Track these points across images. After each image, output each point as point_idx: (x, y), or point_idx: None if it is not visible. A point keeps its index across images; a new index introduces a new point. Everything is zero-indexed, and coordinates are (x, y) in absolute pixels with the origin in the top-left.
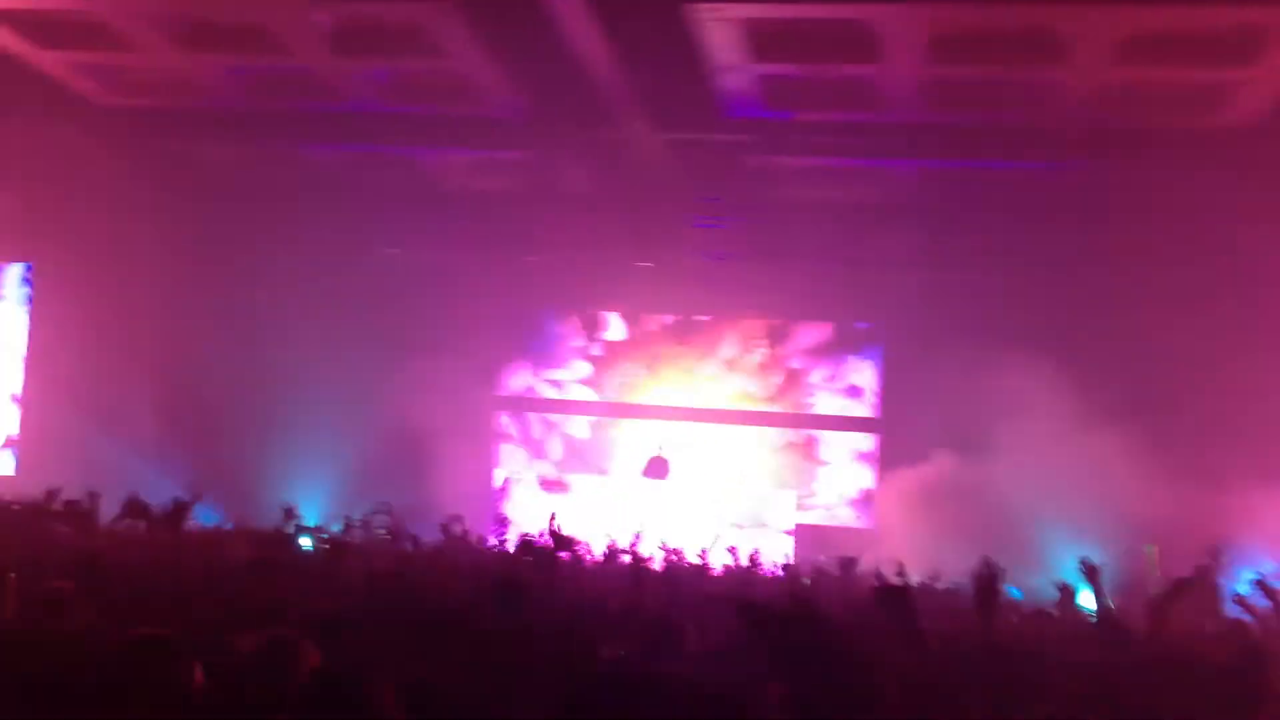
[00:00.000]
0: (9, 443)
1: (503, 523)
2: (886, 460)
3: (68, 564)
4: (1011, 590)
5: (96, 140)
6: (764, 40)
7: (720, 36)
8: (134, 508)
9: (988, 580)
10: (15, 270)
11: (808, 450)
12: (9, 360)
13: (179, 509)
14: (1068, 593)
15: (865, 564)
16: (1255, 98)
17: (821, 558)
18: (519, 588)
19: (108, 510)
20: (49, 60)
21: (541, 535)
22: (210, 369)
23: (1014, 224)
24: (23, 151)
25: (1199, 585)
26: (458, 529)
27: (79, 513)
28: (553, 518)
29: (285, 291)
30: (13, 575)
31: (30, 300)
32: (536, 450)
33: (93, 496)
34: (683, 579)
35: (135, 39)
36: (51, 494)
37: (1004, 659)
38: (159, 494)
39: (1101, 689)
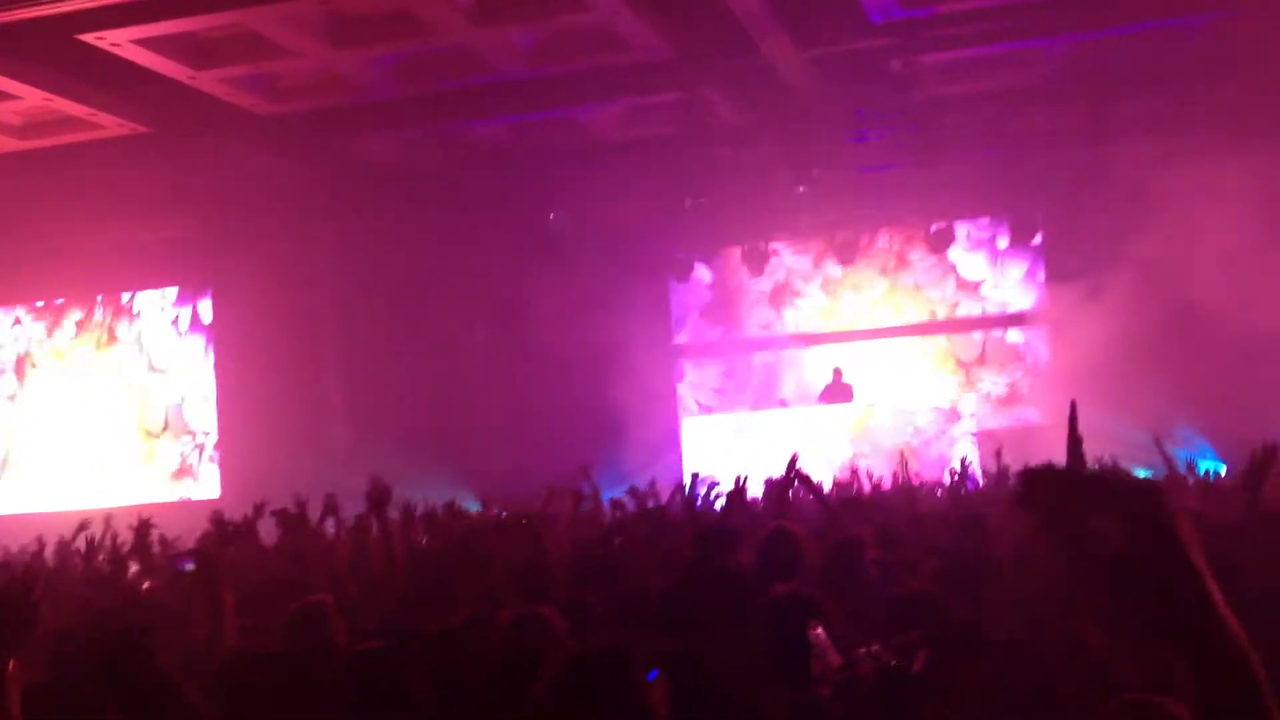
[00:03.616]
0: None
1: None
2: (1062, 352)
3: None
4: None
5: (265, 151)
6: None
7: None
8: (330, 505)
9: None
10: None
11: (986, 354)
12: (201, 390)
13: (378, 494)
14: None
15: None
16: None
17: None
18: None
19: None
20: (205, 80)
21: (742, 482)
22: (399, 357)
23: (1171, 87)
24: (195, 175)
25: None
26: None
27: (291, 519)
28: (795, 459)
29: (464, 274)
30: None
31: (214, 326)
32: (718, 391)
33: (300, 503)
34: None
35: (282, 43)
36: (258, 508)
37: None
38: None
39: None
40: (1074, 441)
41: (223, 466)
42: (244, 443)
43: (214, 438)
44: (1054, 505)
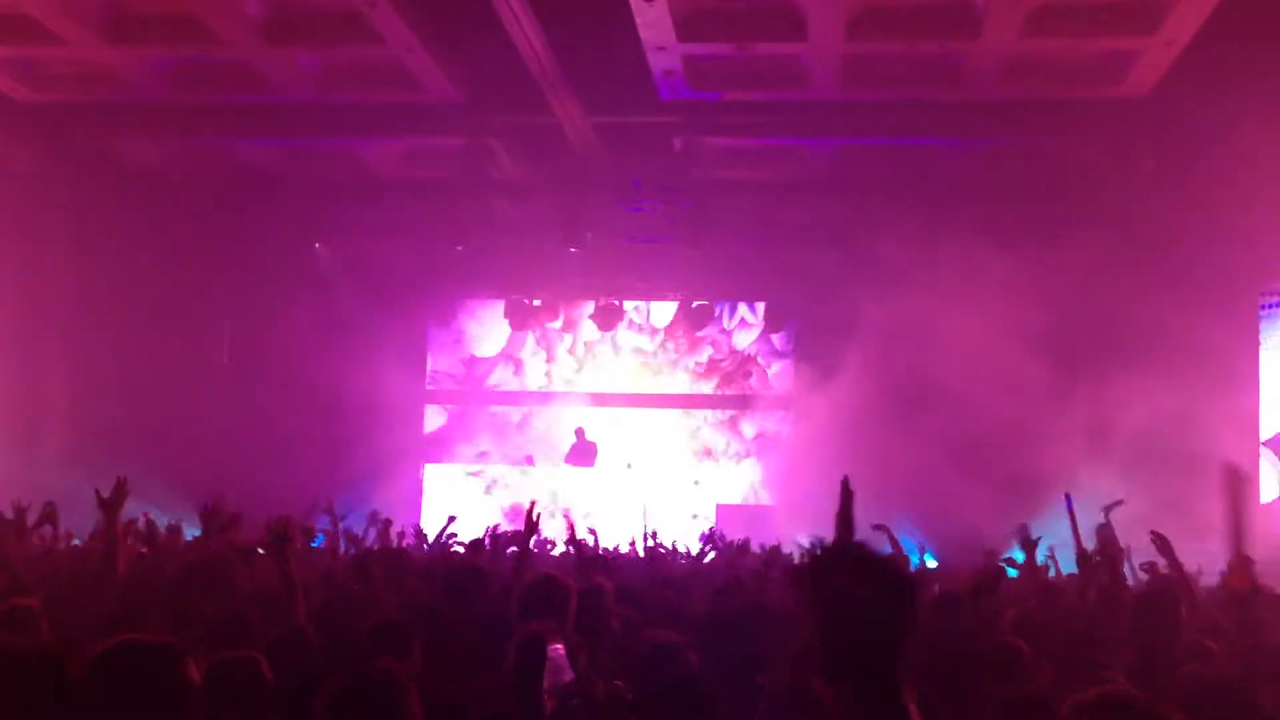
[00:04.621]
0: None
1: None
2: (801, 436)
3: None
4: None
5: (14, 138)
6: (692, 20)
7: (650, 16)
8: (48, 513)
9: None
10: None
11: (729, 430)
12: None
13: (112, 499)
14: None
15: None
16: (1149, 67)
17: (742, 538)
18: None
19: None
20: None
21: (494, 529)
22: (134, 368)
23: (929, 198)
24: None
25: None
26: (389, 528)
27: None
28: (532, 506)
29: (216, 292)
30: None
31: None
32: (464, 440)
33: (18, 509)
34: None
35: (56, 31)
36: None
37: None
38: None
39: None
40: (845, 514)
41: None
42: None
43: None
44: (830, 578)
